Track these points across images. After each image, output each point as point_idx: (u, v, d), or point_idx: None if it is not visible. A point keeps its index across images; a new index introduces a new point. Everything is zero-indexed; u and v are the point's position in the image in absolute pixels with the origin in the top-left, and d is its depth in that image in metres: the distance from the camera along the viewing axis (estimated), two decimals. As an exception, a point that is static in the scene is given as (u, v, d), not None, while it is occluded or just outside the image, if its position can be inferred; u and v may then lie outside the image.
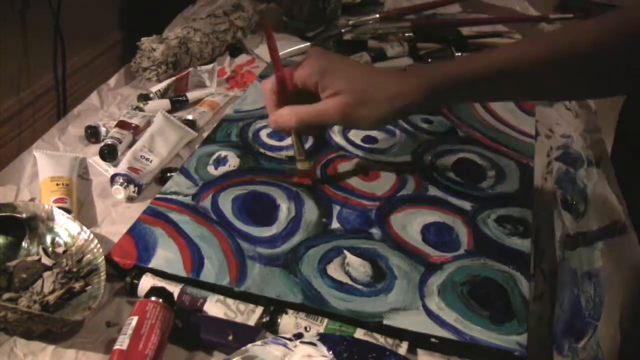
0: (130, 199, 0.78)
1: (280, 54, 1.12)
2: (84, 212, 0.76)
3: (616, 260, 0.72)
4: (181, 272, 0.65)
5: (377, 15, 1.26)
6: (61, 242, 0.67)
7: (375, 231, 0.72)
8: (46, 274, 0.63)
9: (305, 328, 0.60)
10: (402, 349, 0.59)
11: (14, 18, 1.02)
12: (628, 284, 0.70)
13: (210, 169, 0.81)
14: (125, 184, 0.77)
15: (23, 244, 0.67)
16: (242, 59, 1.14)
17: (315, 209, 0.75)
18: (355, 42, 1.18)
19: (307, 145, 0.86)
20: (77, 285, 0.63)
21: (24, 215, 0.68)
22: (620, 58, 0.64)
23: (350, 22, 1.23)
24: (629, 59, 0.63)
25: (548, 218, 0.79)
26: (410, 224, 0.73)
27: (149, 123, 0.89)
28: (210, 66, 1.05)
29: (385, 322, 0.61)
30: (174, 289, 0.63)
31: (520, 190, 0.80)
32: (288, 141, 0.87)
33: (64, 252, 0.67)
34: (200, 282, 0.64)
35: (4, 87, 1.02)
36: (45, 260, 0.65)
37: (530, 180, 0.82)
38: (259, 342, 0.57)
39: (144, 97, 0.97)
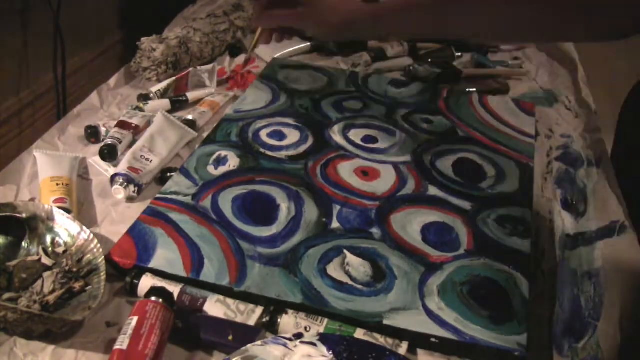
0: (130, 199, 0.78)
1: (280, 54, 1.13)
2: (84, 212, 0.76)
3: (616, 260, 0.72)
4: (181, 272, 0.65)
5: (377, 15, 1.26)
6: (61, 242, 0.67)
7: (375, 231, 0.72)
8: (46, 274, 0.63)
9: (305, 328, 0.60)
10: (402, 349, 0.59)
11: (14, 18, 1.01)
12: (628, 284, 0.70)
13: (210, 169, 0.81)
14: (125, 184, 0.77)
15: (23, 244, 0.67)
16: (242, 59, 1.14)
17: (315, 208, 0.75)
18: (355, 42, 1.18)
19: (307, 145, 0.87)
20: (77, 285, 0.63)
21: (24, 215, 0.68)
22: None
23: (350, 22, 1.22)
24: None
25: (548, 218, 0.79)
26: (410, 224, 0.73)
27: (149, 123, 0.89)
28: (210, 66, 1.05)
29: (385, 322, 0.61)
30: (174, 289, 0.63)
31: (520, 190, 0.80)
32: (288, 141, 0.87)
33: (64, 252, 0.67)
34: (200, 282, 0.64)
35: (4, 87, 1.02)
36: (45, 260, 0.65)
37: (530, 180, 0.82)
38: (259, 342, 0.57)
39: (144, 97, 0.97)
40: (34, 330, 0.59)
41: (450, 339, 0.60)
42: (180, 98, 0.98)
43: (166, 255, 0.67)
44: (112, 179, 0.78)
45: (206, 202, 0.75)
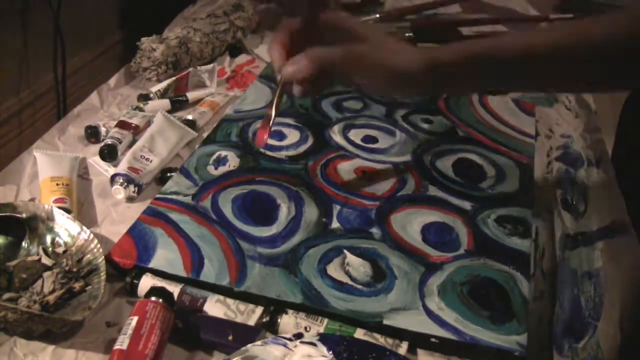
0: (130, 199, 0.78)
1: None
2: (84, 212, 0.76)
3: (616, 260, 0.72)
4: (181, 272, 0.65)
5: (377, 15, 1.26)
6: (61, 242, 0.67)
7: (375, 231, 0.72)
8: (46, 274, 0.63)
9: (305, 328, 0.60)
10: (402, 349, 0.59)
11: (14, 18, 1.01)
12: (628, 284, 0.70)
13: (210, 169, 0.81)
14: (125, 184, 0.77)
15: (23, 244, 0.67)
16: (242, 59, 1.14)
17: (315, 208, 0.75)
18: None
19: (307, 145, 0.86)
20: (77, 285, 0.63)
21: (24, 215, 0.68)
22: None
23: (350, 22, 1.22)
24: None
25: (548, 218, 0.79)
26: (410, 223, 0.73)
27: (149, 123, 0.89)
28: (210, 66, 1.05)
29: (385, 322, 0.61)
30: (174, 289, 0.63)
31: (520, 190, 0.80)
32: (288, 141, 0.87)
33: (64, 252, 0.67)
34: (200, 282, 0.64)
35: (4, 87, 1.02)
36: (45, 260, 0.65)
37: (530, 180, 0.82)
38: (259, 342, 0.57)
39: (144, 97, 0.97)
40: (34, 330, 0.59)
41: (450, 339, 0.60)
42: (180, 98, 0.98)
43: (166, 255, 0.67)
44: (112, 179, 0.78)
45: (206, 202, 0.75)
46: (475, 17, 1.32)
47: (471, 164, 0.84)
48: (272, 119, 0.68)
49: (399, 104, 0.98)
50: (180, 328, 0.60)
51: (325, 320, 0.61)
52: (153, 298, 0.59)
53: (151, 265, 0.66)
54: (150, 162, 0.81)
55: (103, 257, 0.65)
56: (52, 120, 1.04)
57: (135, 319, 0.57)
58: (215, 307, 0.62)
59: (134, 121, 0.88)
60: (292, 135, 0.88)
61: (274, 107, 0.67)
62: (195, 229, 0.71)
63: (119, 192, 0.77)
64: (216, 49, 1.12)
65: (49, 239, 0.68)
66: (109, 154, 0.83)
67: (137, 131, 0.87)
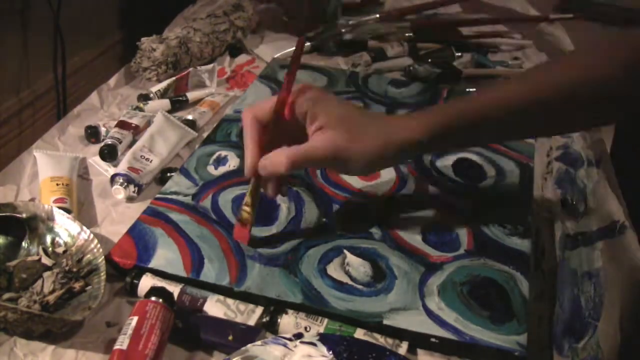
0: (130, 199, 0.78)
1: (280, 54, 1.13)
2: (84, 212, 0.76)
3: (616, 260, 0.72)
4: (181, 272, 0.65)
5: (377, 15, 1.26)
6: (61, 242, 0.67)
7: (375, 231, 0.72)
8: (46, 274, 0.63)
9: (305, 328, 0.60)
10: (402, 349, 0.59)
11: (14, 18, 1.02)
12: (628, 284, 0.70)
13: (210, 169, 0.81)
14: (125, 184, 0.77)
15: (23, 244, 0.67)
16: (242, 59, 1.14)
17: (315, 209, 0.75)
18: (355, 42, 1.18)
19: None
20: (77, 285, 0.63)
21: (24, 215, 0.68)
22: (623, 94, 0.62)
23: (350, 22, 1.22)
24: (633, 93, 0.62)
25: (548, 218, 0.79)
26: (410, 223, 0.73)
27: (149, 123, 0.89)
28: (210, 66, 1.05)
29: (385, 322, 0.61)
30: (174, 289, 0.63)
31: (520, 190, 0.80)
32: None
33: (64, 252, 0.67)
34: (200, 282, 0.64)
35: (4, 87, 1.02)
36: (45, 260, 0.65)
37: (530, 180, 0.82)
38: (259, 342, 0.57)
39: (144, 97, 0.97)
40: (34, 330, 0.59)
41: (450, 339, 0.60)
42: (180, 98, 0.98)
43: (166, 255, 0.67)
44: (112, 179, 0.78)
45: (206, 202, 0.75)
46: (475, 17, 1.32)
47: (471, 164, 0.84)
48: (252, 217, 0.67)
49: (398, 104, 0.98)
50: (180, 328, 0.60)
51: (325, 320, 0.61)
52: (153, 298, 0.59)
53: (151, 265, 0.66)
54: (150, 162, 0.81)
55: (103, 257, 0.65)
56: (52, 120, 1.04)
57: (135, 319, 0.57)
58: (215, 307, 0.62)
59: (134, 121, 0.88)
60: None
61: (250, 205, 0.67)
62: (195, 229, 0.71)
63: (119, 192, 0.77)
64: (216, 49, 1.12)
65: (49, 239, 0.68)
66: (109, 154, 0.83)
67: (137, 131, 0.87)
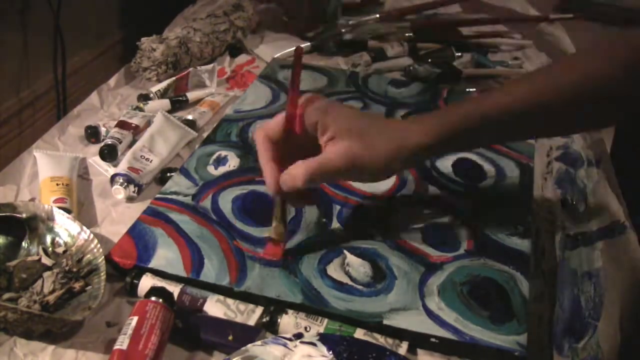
0: (130, 199, 0.78)
1: (280, 54, 1.13)
2: (84, 212, 0.76)
3: (616, 260, 0.72)
4: (181, 272, 0.65)
5: (377, 15, 1.26)
6: (61, 242, 0.67)
7: (375, 231, 0.72)
8: (46, 274, 0.63)
9: (305, 328, 0.60)
10: (402, 349, 0.59)
11: (14, 18, 1.02)
12: (628, 284, 0.70)
13: (210, 169, 0.81)
14: (125, 184, 0.77)
15: (23, 244, 0.67)
16: (242, 59, 1.14)
17: (315, 209, 0.75)
18: (355, 42, 1.18)
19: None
20: (77, 285, 0.63)
21: (24, 215, 0.68)
22: (623, 94, 0.63)
23: (351, 22, 1.23)
24: (633, 93, 0.62)
25: (548, 218, 0.79)
26: (410, 224, 0.73)
27: (149, 123, 0.89)
28: (210, 66, 1.05)
29: (385, 322, 0.61)
30: (174, 289, 0.63)
31: (520, 190, 0.80)
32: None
33: (64, 252, 0.67)
34: (200, 282, 0.64)
35: (4, 87, 1.02)
36: (45, 260, 0.65)
37: (530, 180, 0.82)
38: (259, 342, 0.57)
39: (144, 97, 0.97)
40: (34, 330, 0.59)
41: (450, 339, 0.60)
42: (180, 98, 0.98)
43: (166, 255, 0.67)
44: (112, 179, 0.78)
45: (206, 202, 0.75)
46: (475, 17, 1.32)
47: (471, 164, 0.84)
48: (284, 233, 0.67)
49: (399, 104, 0.98)
50: (180, 328, 0.60)
51: (325, 320, 0.61)
52: (153, 298, 0.59)
53: (151, 265, 0.66)
54: (150, 162, 0.81)
55: (103, 257, 0.65)
56: (52, 120, 1.04)
57: (135, 319, 0.57)
58: (215, 307, 0.62)
59: (134, 121, 0.88)
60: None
61: (280, 221, 0.67)
62: (195, 229, 0.71)
63: (119, 192, 0.77)
64: (216, 49, 1.12)
65: (49, 239, 0.68)
66: (109, 154, 0.83)
67: (137, 131, 0.87)
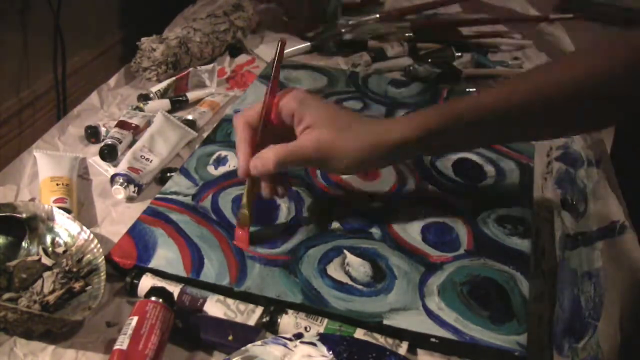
0: (130, 199, 0.78)
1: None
2: (84, 212, 0.76)
3: (616, 260, 0.72)
4: (181, 272, 0.65)
5: (377, 15, 1.26)
6: (61, 242, 0.67)
7: (375, 231, 0.72)
8: (46, 274, 0.63)
9: (305, 328, 0.60)
10: (402, 349, 0.59)
11: (14, 18, 1.02)
12: (628, 284, 0.70)
13: (210, 169, 0.81)
14: (125, 184, 0.77)
15: (23, 244, 0.67)
16: (242, 59, 1.14)
17: (315, 209, 0.75)
18: (355, 42, 1.18)
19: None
20: (77, 285, 0.63)
21: (24, 215, 0.68)
22: (623, 92, 0.62)
23: (350, 22, 1.23)
24: (633, 93, 0.62)
25: (548, 218, 0.79)
26: (410, 223, 0.73)
27: (149, 123, 0.89)
28: (210, 66, 1.05)
29: (385, 322, 0.61)
30: (174, 289, 0.63)
31: (520, 190, 0.80)
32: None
33: (64, 252, 0.67)
34: (200, 282, 0.64)
35: (4, 87, 1.02)
36: (45, 260, 0.65)
37: (530, 180, 0.82)
38: (259, 342, 0.57)
39: (144, 97, 0.97)
40: (34, 330, 0.59)
41: (450, 339, 0.60)
42: (180, 98, 0.98)
43: (166, 255, 0.67)
44: (112, 179, 0.79)
45: (206, 202, 0.75)
46: (475, 17, 1.32)
47: (471, 164, 0.84)
48: (249, 218, 0.68)
49: (398, 104, 0.98)
50: (180, 328, 0.60)
51: (325, 320, 0.61)
52: (153, 298, 0.59)
53: (151, 265, 0.66)
54: (150, 162, 0.81)
55: (103, 257, 0.65)
56: (52, 120, 1.04)
57: (135, 319, 0.57)
58: (215, 307, 0.62)
59: (134, 121, 0.88)
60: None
61: (247, 206, 0.68)
62: (195, 229, 0.71)
63: (119, 192, 0.77)
64: (216, 49, 1.12)
65: (49, 239, 0.68)
66: (109, 154, 0.83)
67: (137, 131, 0.87)
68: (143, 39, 1.04)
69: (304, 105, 0.65)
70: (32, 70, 1.07)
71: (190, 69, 1.03)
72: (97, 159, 0.84)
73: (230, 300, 0.63)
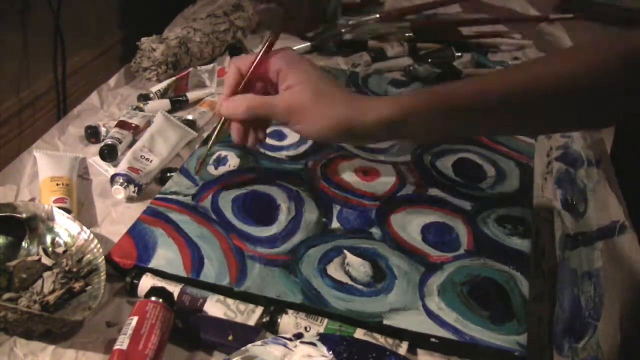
0: (130, 199, 0.78)
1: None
2: (84, 212, 0.76)
3: (616, 260, 0.72)
4: (181, 272, 0.65)
5: (377, 15, 1.26)
6: (61, 242, 0.67)
7: (375, 231, 0.72)
8: (46, 274, 0.63)
9: (305, 328, 0.60)
10: (402, 349, 0.59)
11: (14, 18, 1.02)
12: (628, 284, 0.70)
13: (210, 169, 0.81)
14: (125, 184, 0.77)
15: (23, 244, 0.67)
16: (242, 59, 1.14)
17: (315, 208, 0.75)
18: (355, 42, 1.18)
19: (307, 145, 0.86)
20: (77, 285, 0.63)
21: (24, 215, 0.68)
22: (620, 86, 0.61)
23: (350, 22, 1.23)
24: (628, 86, 0.61)
25: (548, 218, 0.79)
26: (410, 223, 0.73)
27: (149, 123, 0.89)
28: (210, 66, 1.05)
29: (385, 322, 0.61)
30: (174, 289, 0.63)
31: (520, 190, 0.80)
32: (288, 141, 0.87)
33: (64, 252, 0.67)
34: (200, 282, 0.64)
35: (4, 87, 1.02)
36: (45, 260, 0.65)
37: (530, 180, 0.82)
38: (259, 342, 0.57)
39: (144, 97, 0.97)
40: (34, 330, 0.59)
41: (450, 339, 0.60)
42: (180, 98, 0.98)
43: (166, 255, 0.67)
44: (112, 179, 0.78)
45: (206, 202, 0.75)
46: (475, 17, 1.33)
47: (471, 164, 0.84)
48: (207, 150, 0.73)
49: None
50: (180, 328, 0.60)
51: (325, 320, 0.61)
52: (153, 298, 0.59)
53: (151, 265, 0.66)
54: (150, 162, 0.81)
55: (103, 257, 0.65)
56: (52, 120, 1.04)
57: (135, 319, 0.57)
58: (215, 307, 0.62)
59: (134, 121, 0.88)
60: (292, 135, 0.88)
61: (210, 141, 0.72)
62: (195, 229, 0.71)
63: (119, 192, 0.77)
64: (216, 49, 1.12)
65: (49, 239, 0.68)
66: (109, 154, 0.83)
67: (137, 131, 0.87)
68: (143, 39, 1.04)
69: (290, 66, 0.66)
70: (32, 70, 1.07)
71: (190, 69, 1.03)
72: (97, 159, 0.84)
73: (230, 300, 0.63)
